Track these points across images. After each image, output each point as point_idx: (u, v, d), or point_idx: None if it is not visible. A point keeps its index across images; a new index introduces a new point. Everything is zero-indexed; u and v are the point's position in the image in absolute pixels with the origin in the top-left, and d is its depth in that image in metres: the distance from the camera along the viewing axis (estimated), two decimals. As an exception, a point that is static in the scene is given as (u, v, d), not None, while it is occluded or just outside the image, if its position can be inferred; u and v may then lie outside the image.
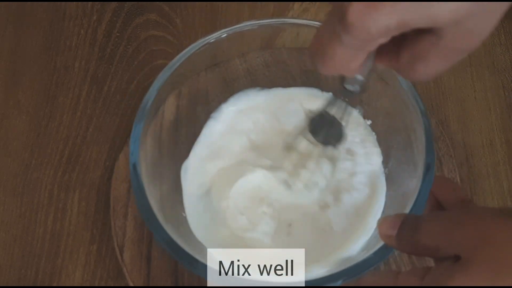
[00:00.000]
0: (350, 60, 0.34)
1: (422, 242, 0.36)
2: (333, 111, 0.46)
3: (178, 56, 0.52)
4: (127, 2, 0.70)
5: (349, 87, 0.41)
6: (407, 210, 0.45)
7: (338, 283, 0.42)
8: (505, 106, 0.62)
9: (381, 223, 0.40)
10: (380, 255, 0.43)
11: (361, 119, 0.56)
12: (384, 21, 0.30)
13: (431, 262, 0.52)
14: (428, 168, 0.45)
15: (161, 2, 0.70)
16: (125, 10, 0.69)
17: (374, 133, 0.56)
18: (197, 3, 0.69)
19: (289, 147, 0.53)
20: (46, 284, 0.56)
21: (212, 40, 0.53)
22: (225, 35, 0.53)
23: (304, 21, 0.53)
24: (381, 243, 0.42)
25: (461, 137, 0.61)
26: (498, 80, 0.64)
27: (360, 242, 0.50)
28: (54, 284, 0.56)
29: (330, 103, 0.46)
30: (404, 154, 0.53)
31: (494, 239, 0.33)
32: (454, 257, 0.35)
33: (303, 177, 0.53)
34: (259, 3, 0.69)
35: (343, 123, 0.47)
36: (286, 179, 0.53)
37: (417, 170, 0.48)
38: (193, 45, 0.53)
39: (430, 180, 0.45)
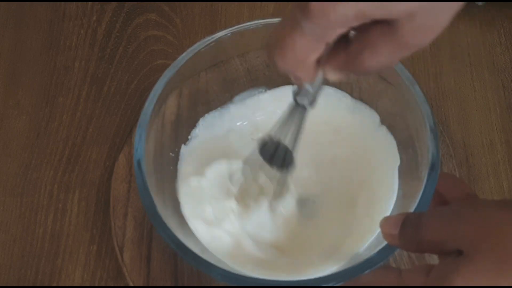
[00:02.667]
0: (309, 51, 0.35)
1: (425, 238, 0.36)
2: (283, 134, 0.46)
3: (182, 56, 0.52)
4: (127, 2, 0.70)
5: (300, 100, 0.41)
6: (411, 210, 0.45)
7: (340, 283, 0.42)
8: (505, 106, 0.62)
9: (383, 222, 0.40)
10: (383, 255, 0.43)
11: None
12: (344, 10, 0.32)
13: (431, 261, 0.52)
14: (432, 168, 0.45)
15: (161, 2, 0.70)
16: (125, 10, 0.69)
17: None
18: (197, 3, 0.69)
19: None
20: (46, 284, 0.56)
21: (213, 40, 0.53)
22: (225, 35, 0.53)
23: None
24: (384, 243, 0.42)
25: (461, 137, 0.61)
26: (498, 80, 0.64)
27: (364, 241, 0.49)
28: (54, 284, 0.56)
29: (280, 124, 0.45)
30: (405, 154, 0.53)
31: (497, 231, 0.33)
32: (457, 252, 0.34)
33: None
34: (259, 3, 0.69)
35: (290, 148, 0.46)
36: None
37: (419, 170, 0.48)
38: (196, 45, 0.53)
39: (435, 180, 0.45)
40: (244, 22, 0.54)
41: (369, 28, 0.34)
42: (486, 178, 0.59)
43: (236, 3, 0.69)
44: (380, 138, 0.55)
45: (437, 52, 0.65)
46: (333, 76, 0.38)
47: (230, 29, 0.54)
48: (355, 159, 0.55)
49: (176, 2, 0.69)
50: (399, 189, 0.52)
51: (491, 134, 0.61)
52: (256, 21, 0.54)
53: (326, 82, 0.40)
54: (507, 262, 0.32)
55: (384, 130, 0.55)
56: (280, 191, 0.51)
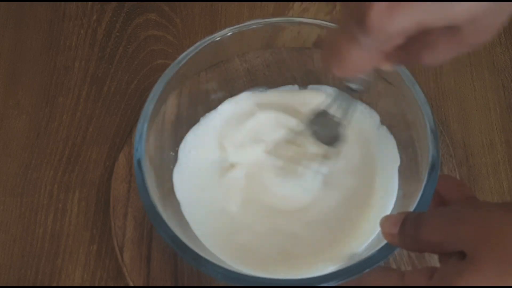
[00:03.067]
0: (366, 61, 0.35)
1: (426, 238, 0.36)
2: (335, 110, 0.46)
3: (182, 55, 0.52)
4: (127, 2, 0.70)
5: (352, 85, 0.42)
6: (411, 209, 0.45)
7: (341, 281, 0.42)
8: (505, 106, 0.62)
9: (383, 221, 0.40)
10: (383, 254, 0.43)
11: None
12: (404, 23, 0.31)
13: (431, 261, 0.52)
14: (432, 168, 0.45)
15: (161, 2, 0.70)
16: (125, 10, 0.69)
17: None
18: (197, 3, 0.69)
19: (290, 142, 0.53)
20: (46, 284, 0.56)
21: (213, 40, 0.53)
22: (225, 35, 0.53)
23: (305, 20, 0.53)
24: (384, 242, 0.42)
25: (461, 137, 0.61)
26: (498, 80, 0.64)
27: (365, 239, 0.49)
28: (54, 284, 0.56)
29: (332, 102, 0.46)
30: (405, 154, 0.53)
31: (500, 233, 0.33)
32: (459, 253, 0.34)
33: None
34: (259, 3, 0.69)
35: (344, 123, 0.47)
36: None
37: (419, 170, 0.48)
38: (196, 45, 0.53)
39: (435, 180, 0.44)
40: (244, 22, 0.54)
41: (430, 30, 0.33)
42: (486, 178, 0.59)
43: (236, 3, 0.69)
44: (380, 138, 0.55)
45: (437, 52, 0.65)
46: (388, 67, 0.38)
47: (230, 29, 0.54)
48: (355, 160, 0.55)
49: (176, 2, 0.69)
50: (399, 189, 0.52)
51: (491, 134, 0.61)
52: (256, 21, 0.54)
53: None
54: (510, 264, 0.32)
55: (384, 130, 0.55)
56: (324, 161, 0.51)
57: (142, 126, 0.49)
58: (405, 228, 0.38)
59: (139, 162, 0.48)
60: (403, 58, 0.36)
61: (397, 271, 0.39)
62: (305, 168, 0.52)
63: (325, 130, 0.48)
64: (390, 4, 0.30)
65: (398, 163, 0.53)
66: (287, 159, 0.53)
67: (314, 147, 0.51)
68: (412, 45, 0.35)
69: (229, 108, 0.58)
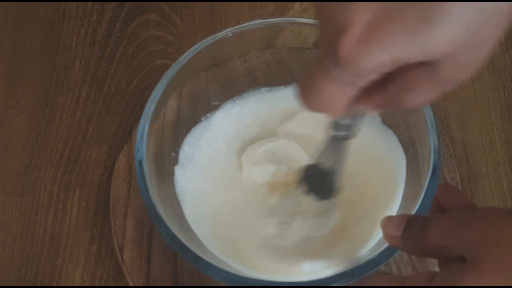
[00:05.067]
0: (339, 96, 0.33)
1: (429, 243, 0.36)
2: (325, 161, 0.44)
3: (183, 56, 0.52)
4: (127, 2, 0.70)
5: (338, 133, 0.40)
6: (412, 211, 0.44)
7: (342, 283, 0.42)
8: (505, 106, 0.62)
9: (385, 223, 0.39)
10: (384, 256, 0.42)
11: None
12: (377, 58, 0.29)
13: (431, 262, 0.52)
14: (434, 169, 0.45)
15: (161, 2, 0.70)
16: (125, 10, 0.69)
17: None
18: (197, 3, 0.69)
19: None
20: (46, 284, 0.56)
21: (213, 41, 0.53)
22: (225, 35, 0.53)
23: (305, 20, 0.53)
24: (385, 244, 0.42)
25: (461, 137, 0.61)
26: (498, 80, 0.64)
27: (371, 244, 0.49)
28: (54, 284, 0.56)
29: (322, 154, 0.44)
30: (407, 154, 0.52)
31: (502, 239, 0.33)
32: (460, 259, 0.34)
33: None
34: (259, 3, 0.69)
35: (336, 174, 0.45)
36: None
37: (420, 170, 0.48)
38: (196, 45, 0.53)
39: (436, 181, 0.44)
40: (244, 22, 0.54)
41: (408, 69, 0.31)
42: (486, 178, 0.59)
43: (236, 3, 0.69)
44: (382, 139, 0.55)
45: (437, 52, 0.65)
46: (370, 112, 0.36)
47: (230, 29, 0.54)
48: (356, 160, 0.55)
49: (176, 2, 0.69)
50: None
51: (491, 134, 0.61)
52: (256, 21, 0.54)
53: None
54: (510, 274, 0.32)
55: (386, 131, 0.55)
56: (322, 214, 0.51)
57: (144, 126, 0.49)
58: (409, 232, 0.38)
59: (140, 162, 0.48)
60: (385, 102, 0.34)
61: (398, 275, 0.39)
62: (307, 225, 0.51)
63: (318, 183, 0.46)
64: (361, 37, 0.29)
65: (404, 161, 0.53)
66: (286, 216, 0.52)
67: (310, 205, 0.50)
68: (392, 88, 0.33)
69: (233, 109, 0.58)
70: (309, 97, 0.34)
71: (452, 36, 0.28)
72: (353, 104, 0.34)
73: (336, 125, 0.40)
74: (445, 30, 0.28)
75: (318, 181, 0.46)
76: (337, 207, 0.51)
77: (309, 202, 0.49)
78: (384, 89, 0.33)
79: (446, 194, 0.43)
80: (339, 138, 0.40)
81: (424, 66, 0.30)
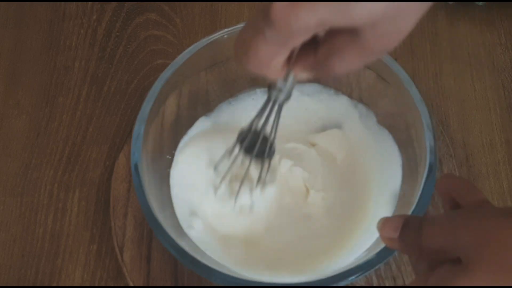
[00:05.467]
0: (272, 56, 0.35)
1: (426, 245, 0.36)
2: (263, 124, 0.46)
3: (180, 56, 0.52)
4: (127, 2, 0.69)
5: (274, 95, 0.42)
6: (409, 211, 0.44)
7: (341, 284, 0.42)
8: (505, 106, 0.62)
9: (381, 225, 0.39)
10: (381, 257, 0.43)
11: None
12: (305, 19, 0.32)
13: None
14: (431, 169, 0.45)
15: (161, 2, 0.70)
16: (125, 10, 0.69)
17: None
18: (197, 3, 0.69)
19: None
20: (46, 284, 0.56)
21: (213, 40, 0.53)
22: (225, 35, 0.53)
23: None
24: (382, 245, 0.42)
25: (461, 137, 0.61)
26: (498, 80, 0.64)
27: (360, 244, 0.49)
28: (54, 284, 0.56)
29: (258, 116, 0.46)
30: (405, 154, 0.53)
31: (495, 239, 0.33)
32: (456, 260, 0.34)
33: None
34: (259, 3, 0.69)
35: (271, 137, 0.47)
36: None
37: (417, 170, 0.48)
38: (194, 45, 0.53)
39: (433, 181, 0.44)
40: (244, 22, 0.54)
41: (335, 34, 0.34)
42: (486, 178, 0.59)
43: (236, 3, 0.69)
44: (378, 139, 0.55)
45: (437, 52, 0.65)
46: (302, 76, 0.38)
47: (230, 29, 0.54)
48: (354, 160, 0.55)
49: (176, 2, 0.69)
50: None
51: (491, 134, 0.61)
52: (256, 21, 0.54)
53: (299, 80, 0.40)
54: (504, 273, 0.32)
55: (382, 131, 0.55)
56: (263, 180, 0.51)
57: (139, 129, 0.49)
58: (406, 234, 0.38)
59: (136, 166, 0.47)
60: (315, 65, 0.37)
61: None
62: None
63: (255, 146, 0.48)
64: (292, 2, 0.32)
65: (400, 161, 0.53)
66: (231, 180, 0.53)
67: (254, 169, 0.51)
68: (321, 51, 0.36)
69: (224, 113, 0.58)
70: (246, 57, 0.36)
71: (374, 7, 0.31)
72: (287, 67, 0.37)
73: (273, 87, 0.42)
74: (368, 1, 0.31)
75: (255, 142, 0.48)
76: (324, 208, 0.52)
77: (250, 167, 0.50)
78: (314, 53, 0.36)
79: (460, 189, 0.42)
80: (275, 100, 0.42)
81: (350, 33, 0.33)
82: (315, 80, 0.42)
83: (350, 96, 0.57)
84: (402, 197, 0.50)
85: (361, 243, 0.49)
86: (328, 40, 0.35)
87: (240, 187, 0.51)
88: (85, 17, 0.69)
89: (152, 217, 0.46)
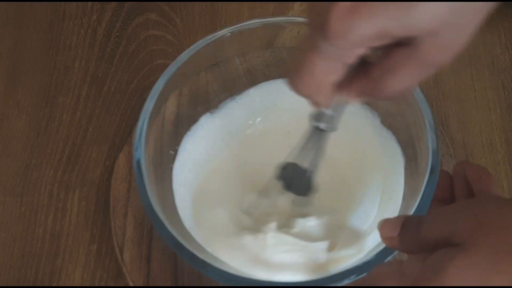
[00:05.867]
0: (328, 73, 0.34)
1: (425, 238, 0.36)
2: (304, 157, 0.45)
3: (181, 55, 0.52)
4: (127, 2, 0.69)
5: (319, 124, 0.40)
6: (410, 212, 0.44)
7: (341, 284, 0.42)
8: (505, 106, 0.62)
9: (382, 225, 0.39)
10: (381, 257, 0.43)
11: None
12: (364, 29, 0.31)
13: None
14: (432, 169, 0.45)
15: (161, 2, 0.70)
16: (125, 10, 0.69)
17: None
18: (197, 3, 0.69)
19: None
20: (46, 284, 0.56)
21: (213, 40, 0.53)
22: (225, 34, 0.53)
23: (305, 20, 0.53)
24: (382, 245, 0.42)
25: (461, 137, 0.61)
26: (498, 80, 0.64)
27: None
28: (54, 284, 0.56)
29: (301, 148, 0.44)
30: (406, 154, 0.52)
31: (495, 224, 0.33)
32: (454, 245, 0.34)
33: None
34: (259, 3, 0.69)
35: (312, 173, 0.46)
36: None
37: (418, 170, 0.48)
38: (195, 44, 0.53)
39: (434, 182, 0.44)
40: (244, 22, 0.54)
41: (390, 52, 0.33)
42: (486, 178, 0.59)
43: (236, 3, 0.69)
44: (380, 140, 0.55)
45: (437, 52, 0.65)
46: (354, 101, 0.37)
47: (230, 28, 0.54)
48: (355, 161, 0.55)
49: (176, 2, 0.69)
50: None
51: (491, 134, 0.61)
52: (256, 21, 0.54)
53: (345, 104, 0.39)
54: (502, 255, 0.32)
55: (384, 131, 0.55)
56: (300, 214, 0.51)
57: (142, 125, 0.49)
58: (405, 231, 0.38)
59: (138, 162, 0.48)
60: (368, 87, 0.35)
61: (397, 260, 0.39)
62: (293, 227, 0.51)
63: (295, 181, 0.47)
64: (350, 8, 0.31)
65: (402, 162, 0.53)
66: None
67: (288, 205, 0.51)
68: (375, 71, 0.34)
69: (230, 110, 0.58)
70: (298, 77, 0.35)
71: (435, 13, 0.30)
72: (337, 91, 0.36)
73: (319, 116, 0.40)
74: (429, 7, 0.30)
75: (296, 178, 0.46)
76: (313, 210, 0.51)
77: (285, 203, 0.50)
78: (367, 74, 0.35)
79: (479, 176, 0.42)
80: (320, 130, 0.41)
81: (406, 47, 0.32)
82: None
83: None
84: (404, 198, 0.50)
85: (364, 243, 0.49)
86: (382, 60, 0.34)
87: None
88: (85, 17, 0.69)
89: (153, 214, 0.46)
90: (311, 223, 0.51)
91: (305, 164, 0.45)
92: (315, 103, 0.38)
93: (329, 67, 0.34)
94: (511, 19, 0.67)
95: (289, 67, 0.36)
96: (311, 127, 0.41)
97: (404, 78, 0.34)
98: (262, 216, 0.52)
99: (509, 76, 0.64)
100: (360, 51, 0.33)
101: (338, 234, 0.51)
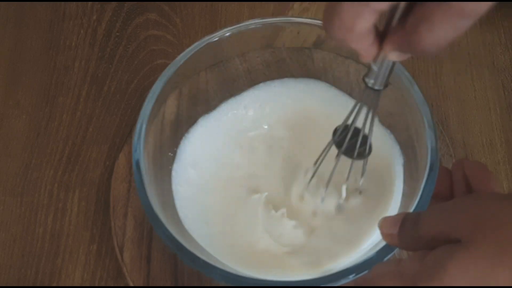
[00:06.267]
0: (355, 16, 0.34)
1: (425, 233, 0.36)
2: (357, 120, 0.45)
3: (180, 56, 0.52)
4: (127, 2, 0.70)
5: (368, 81, 0.41)
6: (410, 210, 0.44)
7: (341, 283, 0.42)
8: (505, 106, 0.62)
9: (382, 223, 0.39)
10: (382, 255, 0.43)
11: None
12: None
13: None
14: (431, 168, 0.45)
15: (161, 2, 0.70)
16: (125, 10, 0.69)
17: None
18: (197, 3, 0.69)
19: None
20: (46, 284, 0.56)
21: (213, 40, 0.53)
22: (225, 34, 0.53)
23: (305, 20, 0.53)
24: (383, 243, 0.42)
25: (461, 137, 0.61)
26: (498, 80, 0.64)
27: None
28: (54, 284, 0.56)
29: (353, 112, 0.45)
30: (405, 154, 0.53)
31: (494, 220, 0.33)
32: (455, 241, 0.34)
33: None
34: (259, 3, 0.69)
35: (367, 133, 0.46)
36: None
37: (418, 169, 0.48)
38: (194, 44, 0.53)
39: (433, 180, 0.44)
40: (244, 22, 0.54)
41: (422, 3, 0.33)
42: (486, 178, 0.59)
43: (236, 3, 0.69)
44: (379, 138, 0.55)
45: (437, 52, 0.65)
46: (393, 56, 0.37)
47: (230, 28, 0.54)
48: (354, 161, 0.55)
49: (176, 2, 0.69)
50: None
51: (491, 134, 0.61)
52: (256, 21, 0.54)
53: (392, 64, 0.39)
54: (503, 252, 0.32)
55: (383, 130, 0.55)
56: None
57: (141, 126, 0.49)
58: (404, 228, 0.38)
59: (137, 163, 0.48)
60: (405, 40, 0.35)
61: (395, 259, 0.39)
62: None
63: (351, 144, 0.47)
64: None
65: (401, 161, 0.53)
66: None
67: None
68: (409, 22, 0.34)
69: (230, 112, 0.58)
70: (330, 21, 0.35)
71: None
72: (378, 46, 0.36)
73: (369, 73, 0.40)
74: None
75: (350, 141, 0.46)
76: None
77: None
78: (403, 26, 0.34)
79: (479, 175, 0.42)
80: (370, 88, 0.41)
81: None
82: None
83: (350, 95, 0.57)
84: (403, 196, 0.50)
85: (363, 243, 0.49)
86: (417, 8, 0.33)
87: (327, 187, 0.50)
88: (85, 17, 0.69)
89: (153, 214, 0.46)
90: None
91: (360, 123, 0.45)
92: (358, 53, 0.38)
93: (355, 11, 0.34)
94: (511, 19, 0.67)
95: (324, 13, 0.36)
96: (363, 86, 0.42)
97: (439, 29, 0.33)
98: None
99: (509, 76, 0.64)
100: None
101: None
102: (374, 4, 0.33)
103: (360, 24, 0.34)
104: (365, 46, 0.36)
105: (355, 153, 0.47)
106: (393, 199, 0.51)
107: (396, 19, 0.35)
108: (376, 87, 0.41)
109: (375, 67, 0.40)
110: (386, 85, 0.41)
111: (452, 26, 0.33)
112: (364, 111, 0.44)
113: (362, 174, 0.50)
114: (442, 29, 0.33)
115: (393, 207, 0.50)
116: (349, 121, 0.46)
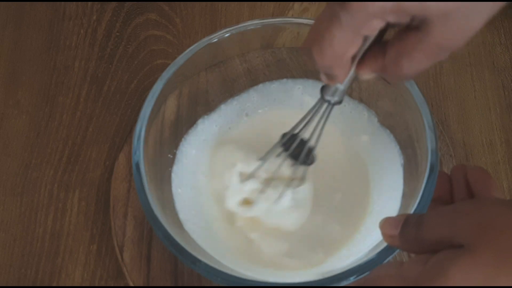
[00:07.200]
0: (347, 45, 0.35)
1: (427, 237, 0.36)
2: (306, 130, 0.47)
3: (180, 56, 0.52)
4: (127, 2, 0.70)
5: (328, 97, 0.43)
6: (410, 210, 0.44)
7: (342, 284, 0.42)
8: (505, 106, 0.62)
9: (383, 223, 0.39)
10: (383, 256, 0.43)
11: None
12: (382, 2, 0.33)
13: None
14: (432, 168, 0.45)
15: (161, 2, 0.70)
16: (125, 10, 0.69)
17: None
18: (197, 3, 0.69)
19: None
20: (46, 284, 0.56)
21: (213, 40, 0.53)
22: (225, 35, 0.53)
23: (305, 20, 0.53)
24: (384, 244, 0.42)
25: (461, 136, 0.61)
26: (498, 80, 0.64)
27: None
28: (54, 284, 0.56)
29: (303, 121, 0.46)
30: (405, 154, 0.53)
31: (497, 225, 0.33)
32: (458, 245, 0.34)
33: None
34: (259, 3, 0.69)
35: (313, 144, 0.48)
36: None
37: (418, 170, 0.48)
38: (195, 45, 0.53)
39: (434, 181, 0.44)
40: (244, 22, 0.54)
41: (404, 36, 0.35)
42: (486, 178, 0.59)
43: (236, 3, 0.69)
44: (379, 139, 0.55)
45: (437, 52, 0.65)
46: (367, 76, 0.39)
47: (230, 29, 0.54)
48: (354, 160, 0.55)
49: (176, 2, 0.69)
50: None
51: (491, 134, 0.61)
52: (256, 21, 0.54)
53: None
54: (506, 257, 0.32)
55: (383, 131, 0.55)
56: (298, 183, 0.52)
57: (140, 129, 0.49)
58: (406, 229, 0.38)
59: (137, 165, 0.48)
60: (383, 67, 0.37)
61: (397, 262, 0.39)
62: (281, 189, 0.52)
63: (297, 150, 0.49)
64: None
65: (401, 161, 0.53)
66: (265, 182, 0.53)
67: (287, 170, 0.52)
68: (390, 53, 0.36)
69: (229, 111, 0.58)
70: (318, 48, 0.36)
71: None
72: (354, 67, 0.38)
73: (331, 91, 0.42)
74: None
75: (298, 147, 0.48)
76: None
77: (284, 169, 0.51)
78: (383, 55, 0.37)
79: (480, 181, 0.42)
80: (329, 104, 0.43)
81: (419, 31, 0.34)
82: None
83: (350, 96, 0.57)
84: (403, 197, 0.50)
85: (363, 243, 0.49)
86: (397, 42, 0.36)
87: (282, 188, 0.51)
88: (85, 17, 0.69)
89: (152, 216, 0.46)
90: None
91: (309, 134, 0.47)
92: (332, 77, 0.39)
93: (348, 38, 0.35)
94: (511, 19, 0.67)
95: (308, 38, 0.37)
96: (320, 101, 0.44)
97: (417, 61, 0.35)
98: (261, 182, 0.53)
99: (509, 76, 0.64)
100: (378, 23, 0.34)
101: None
102: (366, 29, 0.35)
103: (350, 52, 0.36)
104: (347, 71, 0.38)
105: (299, 161, 0.49)
106: (393, 201, 0.51)
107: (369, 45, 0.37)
108: (333, 102, 0.43)
109: (341, 86, 0.42)
110: (341, 101, 0.43)
111: (429, 59, 0.36)
112: (315, 122, 0.46)
113: (302, 179, 0.51)
114: (420, 61, 0.36)
115: (393, 208, 0.50)
116: (297, 131, 0.47)
